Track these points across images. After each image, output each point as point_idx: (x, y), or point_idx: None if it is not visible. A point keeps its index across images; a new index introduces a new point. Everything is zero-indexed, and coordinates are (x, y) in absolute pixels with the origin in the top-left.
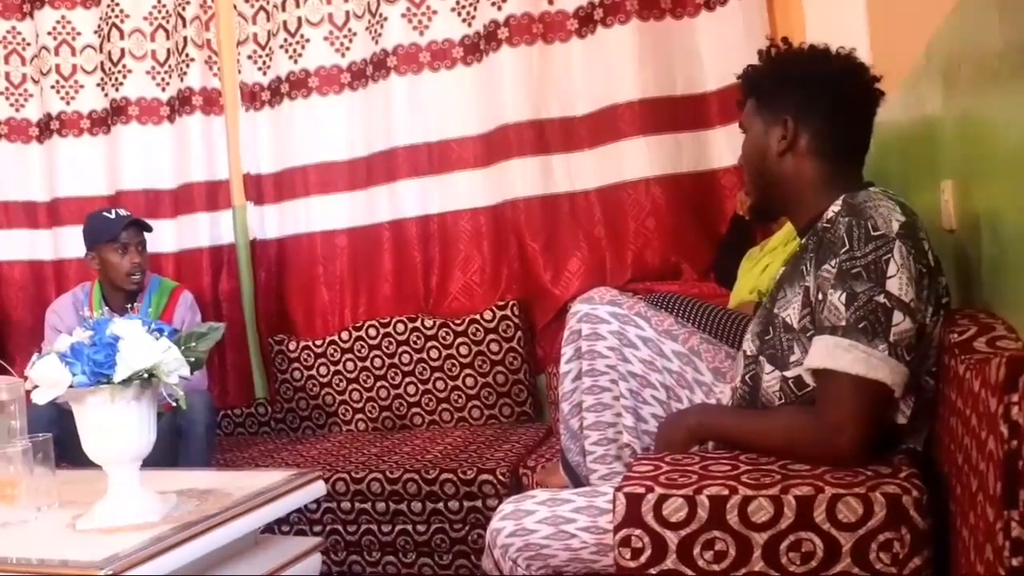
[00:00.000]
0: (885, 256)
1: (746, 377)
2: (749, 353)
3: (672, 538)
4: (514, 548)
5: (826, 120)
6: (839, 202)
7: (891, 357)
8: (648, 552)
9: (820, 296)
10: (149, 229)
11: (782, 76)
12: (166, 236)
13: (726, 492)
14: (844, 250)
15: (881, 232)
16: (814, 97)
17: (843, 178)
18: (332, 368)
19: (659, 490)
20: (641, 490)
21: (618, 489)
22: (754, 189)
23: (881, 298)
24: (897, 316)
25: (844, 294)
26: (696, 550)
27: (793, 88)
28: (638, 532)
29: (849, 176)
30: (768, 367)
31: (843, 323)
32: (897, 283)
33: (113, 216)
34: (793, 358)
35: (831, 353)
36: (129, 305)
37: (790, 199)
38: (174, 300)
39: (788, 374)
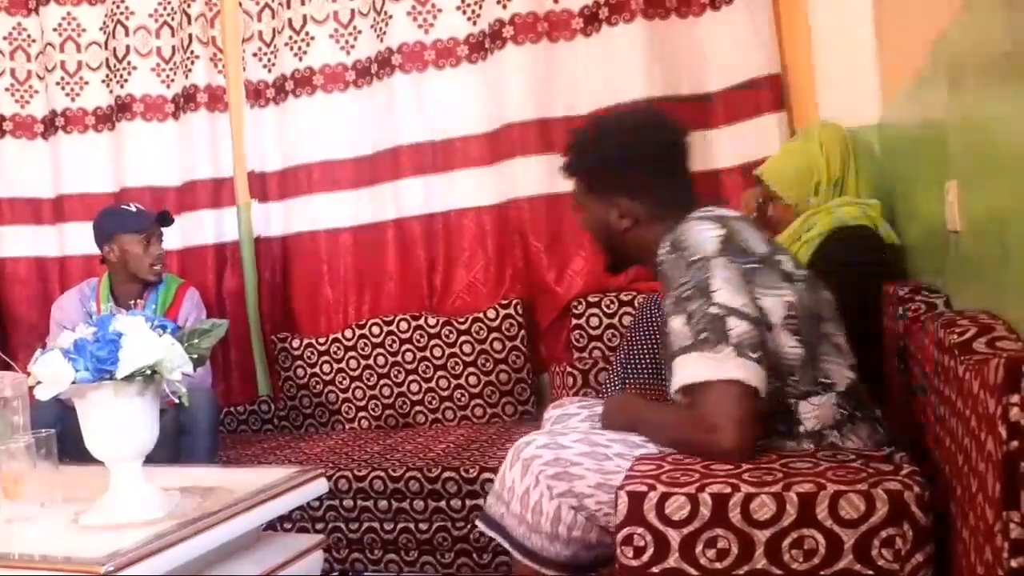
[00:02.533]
0: (706, 276)
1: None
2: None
3: (674, 536)
4: (541, 460)
5: (656, 188)
6: (665, 242)
7: (738, 357)
8: (651, 550)
9: (667, 329)
10: (171, 222)
11: (605, 159)
12: (170, 233)
13: (728, 490)
14: (674, 284)
15: (699, 256)
16: (639, 172)
17: (676, 219)
18: (335, 366)
19: (661, 488)
20: (643, 488)
21: (620, 487)
22: (607, 255)
23: (713, 309)
24: (732, 322)
25: (682, 317)
26: (698, 548)
27: (619, 169)
28: (640, 530)
29: (679, 213)
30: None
31: (688, 341)
32: (724, 295)
33: (135, 210)
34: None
35: (685, 370)
36: (134, 302)
37: (641, 257)
38: (180, 296)
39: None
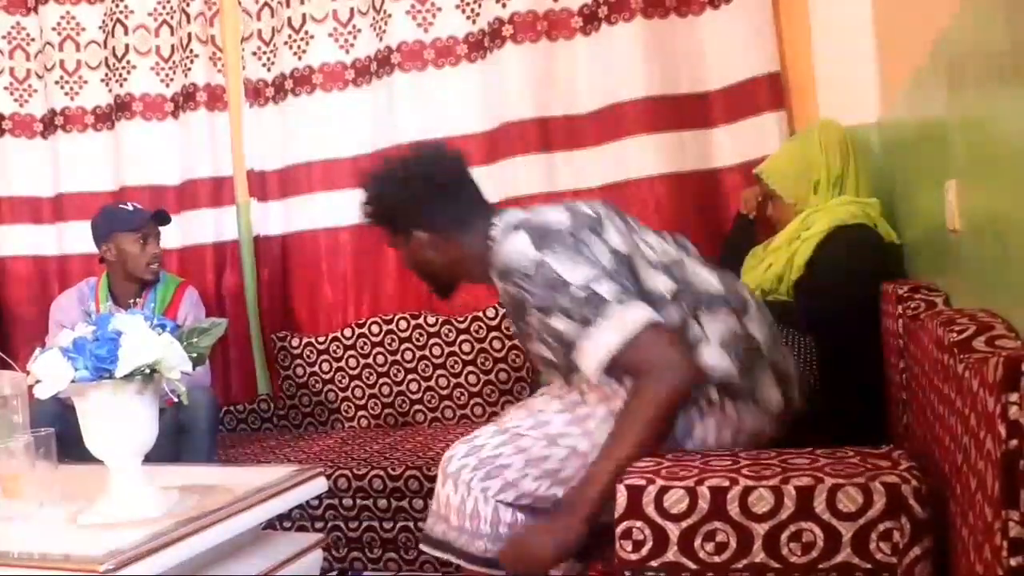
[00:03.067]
0: (550, 273)
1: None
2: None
3: (673, 530)
4: (468, 469)
5: (443, 211)
6: (492, 272)
7: (622, 306)
8: (649, 544)
9: (551, 339)
10: (169, 222)
11: (390, 204)
12: (170, 232)
13: (727, 483)
14: (528, 301)
15: (528, 264)
16: (421, 204)
17: (477, 234)
18: (335, 365)
19: (660, 482)
20: (642, 482)
21: (619, 481)
22: (432, 285)
23: (578, 292)
24: (597, 287)
25: (559, 316)
26: (697, 542)
27: (405, 209)
28: (639, 524)
29: (479, 222)
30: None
31: (581, 328)
32: (574, 274)
33: (132, 209)
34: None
35: (597, 350)
36: (133, 301)
37: (464, 276)
38: (179, 296)
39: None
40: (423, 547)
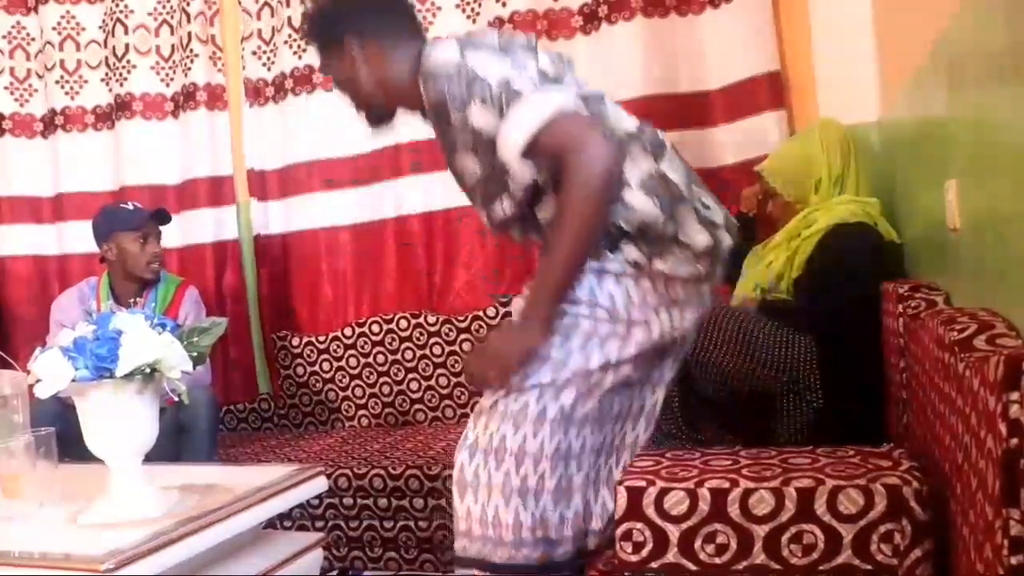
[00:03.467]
0: (466, 71)
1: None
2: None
3: (673, 531)
4: (480, 467)
5: (372, 21)
6: (419, 80)
7: (543, 92)
8: (650, 546)
9: (476, 131)
10: (169, 221)
11: (322, 15)
12: (170, 232)
13: (727, 485)
14: (450, 103)
15: (450, 66)
16: (352, 13)
17: (410, 51)
18: (335, 364)
19: (660, 483)
20: (642, 483)
21: (619, 483)
22: (364, 111)
23: (495, 87)
24: (514, 81)
25: (475, 105)
26: (697, 543)
27: (342, 12)
28: (639, 526)
29: (413, 42)
30: (500, 203)
31: (499, 114)
32: (491, 70)
33: (132, 208)
34: (483, 162)
35: (518, 130)
36: (133, 300)
37: (393, 97)
38: (180, 295)
39: (489, 173)
40: (457, 571)
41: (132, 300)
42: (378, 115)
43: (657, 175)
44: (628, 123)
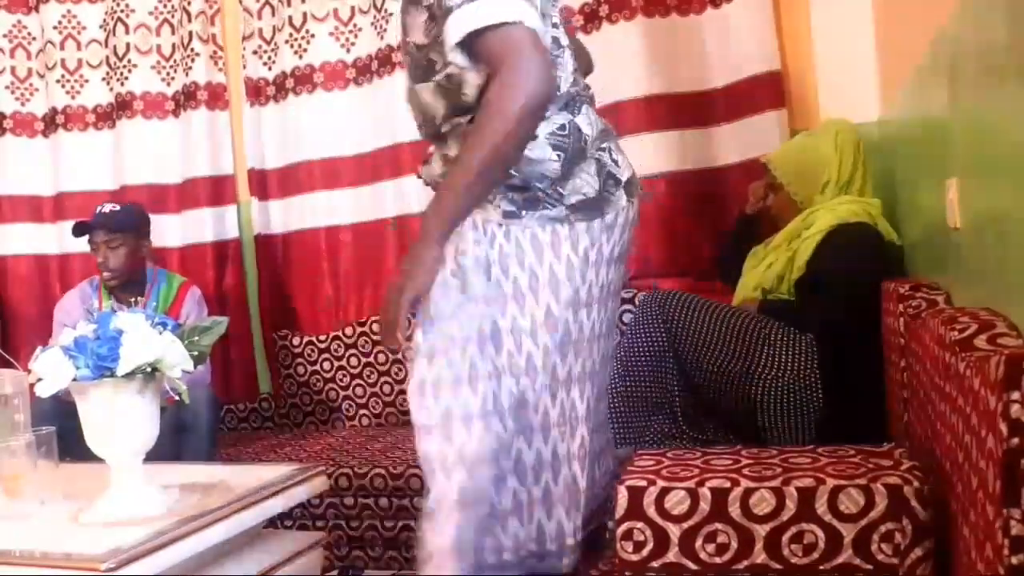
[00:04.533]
0: None
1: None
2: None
3: (674, 531)
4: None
5: None
6: None
7: (509, 2)
8: (650, 545)
9: (428, 15)
10: (106, 226)
11: None
12: (171, 231)
13: (728, 484)
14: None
15: None
16: None
17: None
18: (336, 363)
19: (661, 483)
20: (643, 483)
21: (620, 482)
22: None
23: None
24: None
25: None
26: (698, 543)
27: None
28: (640, 525)
29: None
30: (422, 88)
31: (458, 2)
32: None
33: (97, 212)
34: (437, 67)
35: (462, 21)
36: (134, 299)
37: None
38: (181, 295)
39: (438, 77)
40: None
41: (134, 300)
42: None
43: (569, 128)
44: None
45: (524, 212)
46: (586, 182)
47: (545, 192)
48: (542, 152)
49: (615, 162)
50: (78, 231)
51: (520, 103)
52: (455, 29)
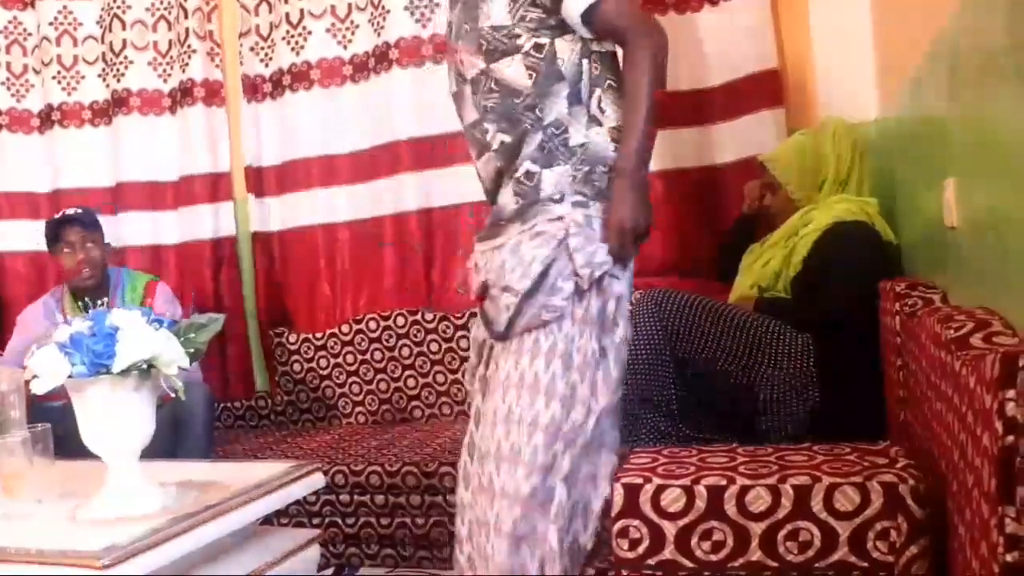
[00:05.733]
0: None
1: (485, 89)
2: (477, 70)
3: (670, 528)
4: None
5: None
6: None
7: None
8: (646, 543)
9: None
10: (88, 224)
11: None
12: (167, 228)
13: (724, 482)
14: None
15: None
16: None
17: None
18: (332, 361)
19: (657, 480)
20: (639, 480)
21: (616, 480)
22: None
23: None
24: None
25: None
26: (694, 540)
27: None
28: (636, 523)
29: None
30: (503, 62)
31: None
32: None
33: (60, 216)
34: (520, 41)
35: None
36: (101, 302)
37: None
38: (149, 294)
39: (526, 48)
40: None
41: (101, 302)
42: None
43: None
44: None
45: (592, 203)
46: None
47: (604, 183)
48: (606, 142)
49: None
50: (55, 229)
51: (656, 53)
52: (575, 4)
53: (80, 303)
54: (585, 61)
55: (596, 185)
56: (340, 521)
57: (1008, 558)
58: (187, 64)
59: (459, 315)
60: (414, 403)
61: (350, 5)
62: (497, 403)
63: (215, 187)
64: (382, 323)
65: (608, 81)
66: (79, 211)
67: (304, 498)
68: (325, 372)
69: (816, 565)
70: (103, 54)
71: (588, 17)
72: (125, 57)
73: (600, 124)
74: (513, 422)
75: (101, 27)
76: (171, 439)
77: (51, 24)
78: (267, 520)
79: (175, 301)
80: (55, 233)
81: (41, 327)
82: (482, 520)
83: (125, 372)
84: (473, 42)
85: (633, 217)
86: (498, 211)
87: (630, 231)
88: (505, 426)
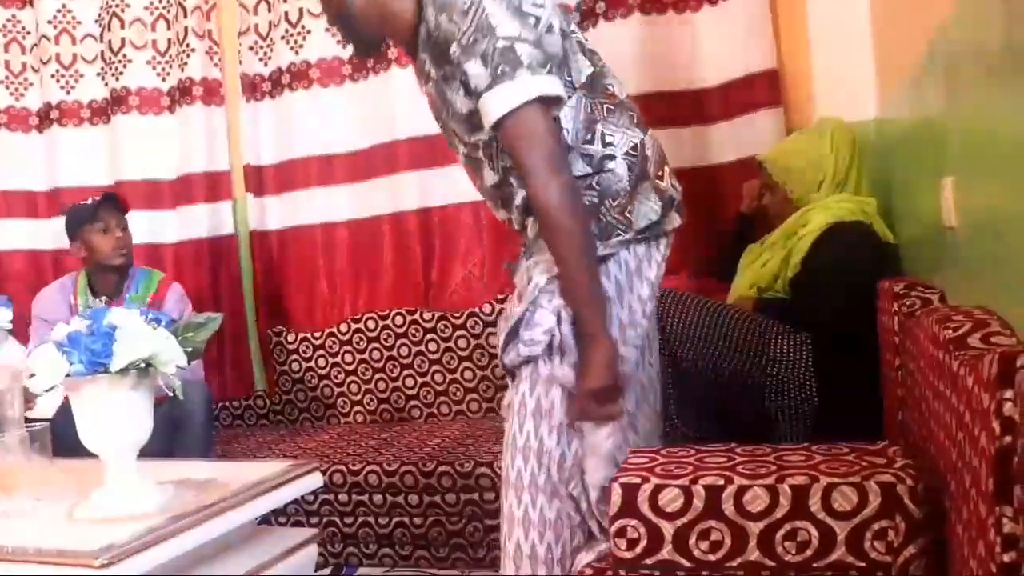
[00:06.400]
0: (479, 12)
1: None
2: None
3: (668, 528)
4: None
5: None
6: (427, 10)
7: (534, 75)
8: (644, 543)
9: (464, 78)
10: (122, 207)
11: None
12: (166, 227)
13: (722, 482)
14: (455, 35)
15: (468, 1)
16: None
17: None
18: (331, 360)
19: (655, 480)
20: (637, 480)
21: (614, 480)
22: (351, 37)
23: (500, 43)
24: (519, 47)
25: (476, 60)
26: (692, 540)
27: None
28: (634, 523)
29: None
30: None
31: (489, 80)
32: (502, 22)
33: (90, 202)
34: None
35: (496, 104)
36: (106, 299)
37: (383, 24)
38: (163, 291)
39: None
40: None
41: (106, 299)
42: (367, 42)
43: (641, 147)
44: (623, 89)
45: (599, 242)
46: (651, 208)
47: (614, 218)
48: (620, 169)
49: (674, 187)
50: (93, 210)
51: (555, 201)
52: (489, 113)
53: (94, 293)
54: (572, 113)
55: (604, 220)
56: (338, 520)
57: (1005, 558)
58: (186, 63)
59: (457, 315)
60: (412, 402)
61: None
62: (509, 430)
63: (214, 186)
64: (381, 322)
65: (604, 107)
66: (114, 194)
67: (302, 497)
68: (323, 371)
69: (814, 565)
70: (102, 53)
71: (496, 129)
72: (124, 56)
73: (614, 157)
74: (518, 449)
75: (100, 26)
76: (170, 438)
77: (50, 22)
78: (265, 519)
79: (187, 300)
80: (93, 213)
81: (59, 307)
82: (504, 549)
83: (123, 371)
84: (463, 122)
85: (591, 381)
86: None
87: (587, 394)
88: (510, 453)
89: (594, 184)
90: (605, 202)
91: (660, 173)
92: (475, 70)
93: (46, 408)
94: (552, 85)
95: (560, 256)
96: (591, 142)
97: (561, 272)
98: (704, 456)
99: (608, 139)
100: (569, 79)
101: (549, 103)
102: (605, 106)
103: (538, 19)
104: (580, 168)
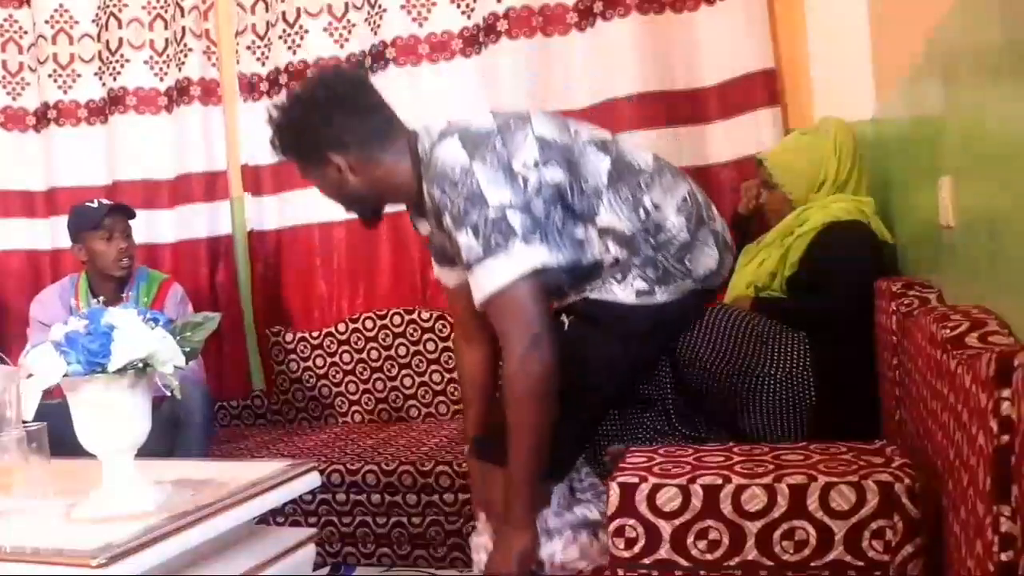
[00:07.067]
0: (470, 182)
1: None
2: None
3: (666, 527)
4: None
5: (355, 128)
6: (425, 182)
7: (528, 245)
8: (642, 542)
9: (455, 249)
10: (132, 215)
11: (301, 131)
12: (164, 226)
13: (720, 481)
14: (447, 207)
15: (457, 169)
16: (331, 124)
17: (398, 149)
18: (329, 360)
19: (653, 480)
20: (635, 480)
21: (612, 479)
22: (355, 212)
23: (491, 213)
24: (511, 215)
25: (467, 230)
26: (690, 539)
27: (317, 133)
28: (632, 522)
29: (398, 139)
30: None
31: (481, 252)
32: (492, 191)
33: (96, 205)
34: None
35: (488, 278)
36: (122, 294)
37: (389, 196)
38: (164, 292)
39: None
40: None
41: (122, 294)
42: (372, 212)
43: (691, 196)
44: (647, 159)
45: (657, 288)
46: (708, 255)
47: (673, 266)
48: (675, 221)
49: (723, 226)
50: (100, 216)
51: (527, 384)
52: (478, 289)
53: (94, 295)
54: (615, 211)
55: (661, 267)
56: (336, 520)
57: (1003, 557)
58: (183, 63)
59: None
60: (410, 402)
61: (347, 4)
62: None
63: (211, 186)
64: (378, 322)
65: (642, 183)
66: (112, 203)
67: (300, 497)
68: (321, 371)
69: (812, 564)
70: (99, 52)
71: (482, 307)
72: (121, 55)
73: (667, 217)
74: None
75: (97, 25)
76: (168, 438)
77: (47, 22)
78: (263, 519)
79: (187, 301)
80: (97, 218)
81: (58, 309)
82: None
83: (121, 371)
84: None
85: (498, 567)
86: None
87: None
88: None
89: (655, 244)
90: (661, 252)
91: (711, 213)
92: (467, 241)
93: (25, 410)
94: (543, 255)
95: (512, 441)
96: (646, 219)
97: (511, 453)
98: (702, 455)
99: (656, 202)
100: (587, 183)
101: (538, 271)
102: (642, 182)
103: (527, 180)
104: (645, 250)
